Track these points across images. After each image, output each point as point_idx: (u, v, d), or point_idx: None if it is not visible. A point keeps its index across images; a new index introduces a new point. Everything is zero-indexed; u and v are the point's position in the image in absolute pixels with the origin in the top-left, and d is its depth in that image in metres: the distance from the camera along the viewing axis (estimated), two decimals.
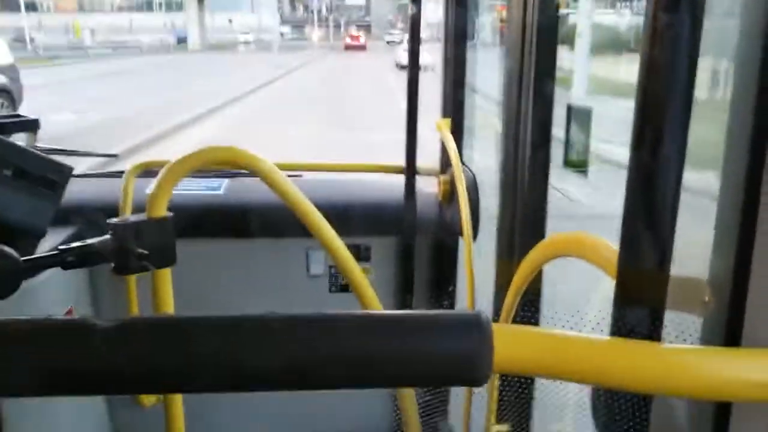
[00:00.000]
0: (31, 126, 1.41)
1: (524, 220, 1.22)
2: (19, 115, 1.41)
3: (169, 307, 1.02)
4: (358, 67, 28.19)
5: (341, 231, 1.05)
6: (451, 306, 1.71)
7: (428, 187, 1.77)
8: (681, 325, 0.59)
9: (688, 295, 0.58)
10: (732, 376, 0.44)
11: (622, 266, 0.59)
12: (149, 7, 62.80)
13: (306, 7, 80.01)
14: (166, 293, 1.01)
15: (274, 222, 1.53)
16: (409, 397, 1.10)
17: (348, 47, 52.17)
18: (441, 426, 1.71)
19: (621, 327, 0.59)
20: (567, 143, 1.21)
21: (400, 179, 1.71)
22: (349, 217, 1.60)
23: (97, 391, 0.49)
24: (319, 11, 73.87)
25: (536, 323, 1.10)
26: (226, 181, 1.77)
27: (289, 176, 1.18)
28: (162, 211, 0.99)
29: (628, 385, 0.46)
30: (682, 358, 0.46)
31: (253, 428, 1.86)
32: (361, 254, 1.72)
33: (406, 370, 0.43)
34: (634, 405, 0.64)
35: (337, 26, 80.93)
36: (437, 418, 1.68)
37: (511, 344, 0.45)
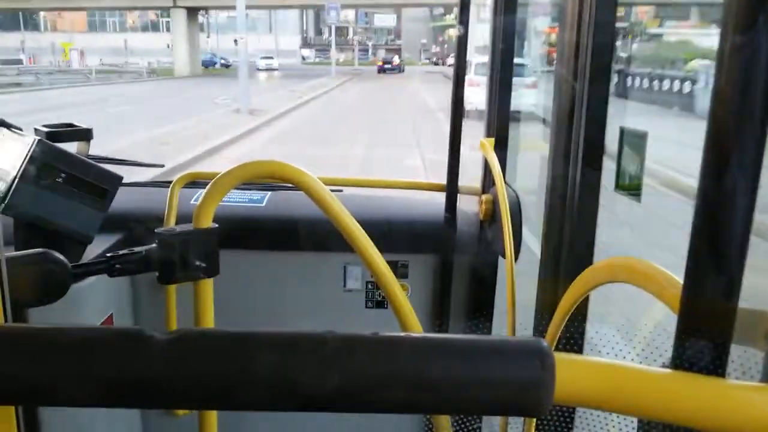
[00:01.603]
0: (84, 135, 1.59)
1: (571, 243, 1.29)
2: (72, 125, 1.61)
3: (209, 317, 1.14)
4: (389, 112, 21.06)
5: (379, 246, 1.15)
6: (489, 328, 1.82)
7: (468, 206, 1.92)
8: (743, 358, 0.62)
9: (752, 328, 0.61)
10: None
11: (686, 298, 0.61)
12: (155, 28, 64.30)
13: (332, 30, 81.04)
14: (207, 304, 1.13)
15: (314, 236, 1.72)
16: (443, 428, 1.21)
17: (382, 70, 53.20)
18: None
19: (684, 360, 0.61)
20: (619, 167, 1.26)
21: (441, 198, 1.87)
22: (388, 233, 1.72)
23: (151, 405, 0.52)
24: (345, 34, 75.75)
25: (580, 349, 1.18)
26: (268, 194, 1.96)
27: (332, 191, 1.31)
28: (208, 222, 1.11)
29: (691, 421, 0.48)
30: (749, 396, 0.48)
31: None
32: (398, 271, 1.82)
33: (465, 397, 0.46)
34: None
35: (365, 50, 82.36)
36: None
37: (573, 374, 0.47)
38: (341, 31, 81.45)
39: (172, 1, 40.81)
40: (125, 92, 26.65)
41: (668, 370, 0.55)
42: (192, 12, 42.21)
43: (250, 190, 1.96)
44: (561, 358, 0.46)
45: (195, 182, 1.77)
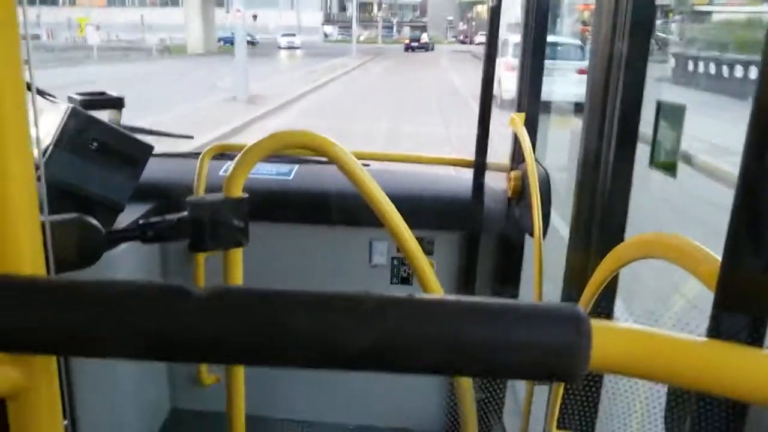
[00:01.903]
0: (117, 104, 1.63)
1: (603, 219, 1.31)
2: (104, 93, 1.65)
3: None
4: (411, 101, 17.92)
5: (407, 222, 1.17)
6: None
7: (497, 182, 1.94)
8: None
9: None
10: None
11: (725, 271, 0.63)
12: (174, 3, 63.81)
13: (358, 6, 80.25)
14: (236, 272, 1.17)
15: (340, 210, 1.76)
16: (467, 393, 1.23)
17: (409, 47, 51.68)
18: (494, 428, 1.84)
19: (721, 331, 0.63)
20: (654, 143, 1.26)
21: (469, 174, 1.89)
22: (414, 208, 1.71)
23: (187, 358, 0.52)
24: (369, 11, 75.19)
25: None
26: (296, 167, 2.00)
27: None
28: (238, 192, 1.14)
29: (728, 390, 0.49)
30: None
31: (308, 412, 2.06)
32: (424, 247, 1.81)
33: (498, 361, 0.47)
34: (720, 415, 0.69)
35: (389, 27, 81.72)
36: (492, 419, 1.81)
37: (609, 341, 0.48)
38: (365, 7, 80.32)
39: None
40: (121, 72, 24.74)
41: (706, 339, 0.56)
42: None
43: (278, 163, 2.00)
44: (597, 324, 0.47)
45: (224, 154, 1.82)
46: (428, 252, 1.89)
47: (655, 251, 0.82)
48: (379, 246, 1.92)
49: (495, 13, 1.78)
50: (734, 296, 0.64)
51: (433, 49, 52.27)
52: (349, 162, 1.12)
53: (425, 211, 1.86)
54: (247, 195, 1.13)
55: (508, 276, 1.88)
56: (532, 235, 1.59)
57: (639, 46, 1.21)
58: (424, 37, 56.50)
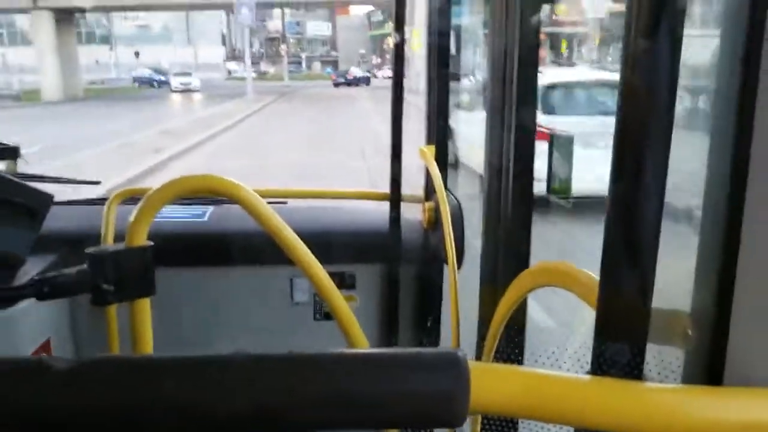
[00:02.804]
0: (10, 153, 1.65)
1: (508, 248, 1.35)
2: None
3: (147, 338, 1.15)
4: None
5: (325, 258, 1.21)
6: (437, 336, 1.89)
7: (414, 214, 2.00)
8: (663, 357, 0.64)
9: (671, 328, 0.62)
10: (714, 417, 0.48)
11: (602, 299, 0.64)
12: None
13: (265, 41, 75.17)
14: (144, 324, 1.14)
15: (258, 250, 1.68)
16: None
17: (339, 84, 47.24)
18: None
19: (602, 362, 0.64)
20: (550, 171, 1.33)
21: (386, 206, 1.94)
22: (333, 244, 1.81)
23: None
24: (276, 45, 67.92)
25: (521, 355, 1.22)
26: (211, 209, 1.99)
27: (274, 203, 1.57)
28: (141, 240, 1.12)
29: (609, 426, 0.50)
30: (664, 398, 0.50)
31: None
32: (345, 282, 1.92)
33: (378, 411, 0.47)
34: None
35: (297, 62, 75.12)
36: None
37: (489, 383, 0.49)
38: (272, 42, 77.86)
39: (31, 1, 31.37)
40: None
41: (586, 376, 0.58)
42: (63, 16, 33.31)
43: (191, 205, 1.99)
44: (476, 367, 0.48)
45: (135, 198, 1.74)
46: (350, 286, 1.94)
47: (549, 280, 0.85)
48: (300, 283, 1.92)
49: (399, 48, 1.86)
50: (612, 326, 0.64)
51: (368, 83, 46.73)
52: (256, 203, 1.12)
53: (343, 245, 1.90)
54: (151, 243, 1.11)
55: (430, 306, 1.94)
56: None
57: (529, 84, 1.28)
58: (355, 71, 50.55)
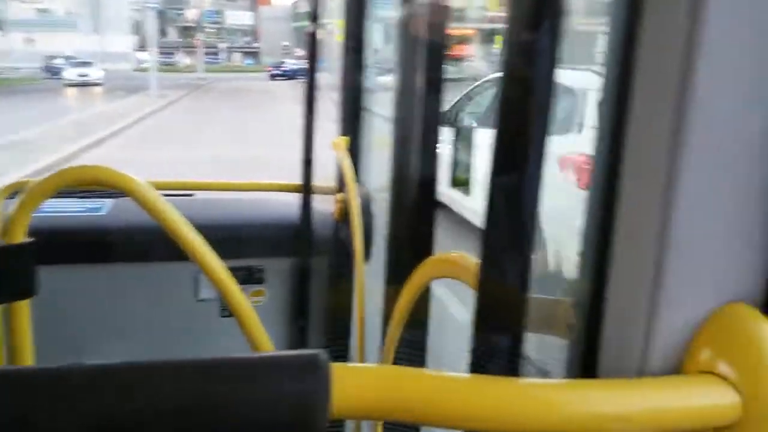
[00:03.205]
0: None
1: (412, 241, 1.35)
2: None
3: (26, 342, 1.09)
4: None
5: (232, 252, 1.20)
6: (347, 330, 1.89)
7: (327, 206, 1.99)
8: (547, 348, 0.65)
9: (553, 317, 0.63)
10: (587, 411, 0.49)
11: (481, 290, 0.65)
12: None
13: (181, 31, 71.63)
14: (23, 328, 1.08)
15: (160, 245, 1.59)
16: None
17: (276, 77, 43.28)
18: None
19: (480, 354, 0.64)
20: (454, 164, 1.40)
21: (297, 199, 1.93)
22: (240, 237, 1.81)
23: None
24: (192, 35, 63.19)
25: (423, 354, 1.23)
26: (109, 202, 1.92)
27: (180, 195, 1.63)
28: (20, 236, 1.06)
29: (484, 425, 0.49)
30: (538, 394, 0.50)
31: None
32: (253, 276, 1.89)
33: (228, 423, 0.45)
34: None
35: (215, 53, 70.49)
36: None
37: (352, 386, 0.47)
38: (188, 31, 74.31)
39: None
40: None
41: (460, 374, 0.56)
42: None
43: (88, 198, 1.91)
44: (339, 369, 0.47)
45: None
46: (258, 281, 1.91)
47: (444, 272, 0.86)
48: (205, 280, 1.68)
49: (313, 38, 1.86)
50: (492, 319, 0.65)
51: (293, 77, 40.89)
52: (149, 195, 1.09)
53: (252, 239, 1.88)
54: (32, 239, 1.06)
55: (340, 300, 1.94)
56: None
57: (434, 76, 1.27)
58: (290, 63, 44.94)
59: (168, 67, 62.13)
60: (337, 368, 0.46)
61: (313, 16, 1.83)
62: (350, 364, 0.48)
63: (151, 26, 37.02)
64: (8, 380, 0.43)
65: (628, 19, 0.53)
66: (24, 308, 1.08)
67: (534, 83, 0.60)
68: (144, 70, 58.80)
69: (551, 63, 0.59)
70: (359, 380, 0.48)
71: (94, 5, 64.41)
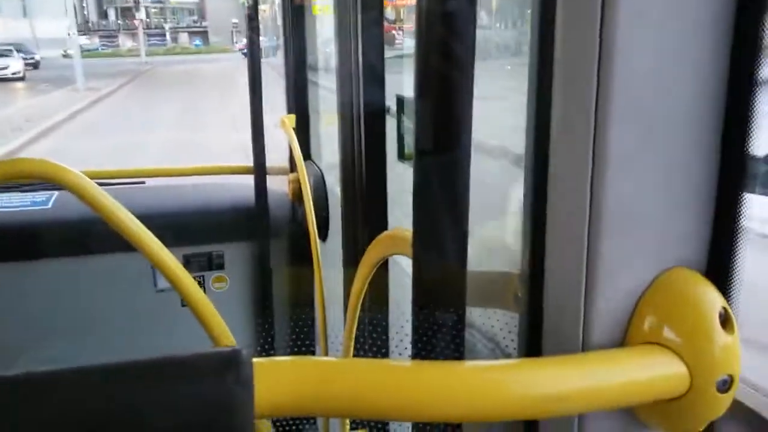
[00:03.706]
0: None
1: (365, 217, 1.36)
2: None
3: None
4: None
5: (191, 239, 1.19)
6: (312, 313, 1.89)
7: (281, 187, 2.01)
8: (497, 323, 0.63)
9: (501, 290, 0.61)
10: (530, 393, 0.47)
11: (417, 265, 0.63)
12: None
13: (120, 12, 67.04)
14: None
15: (115, 236, 1.57)
16: None
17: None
18: None
19: (420, 334, 0.62)
20: (399, 137, 1.29)
21: (252, 180, 1.93)
22: (197, 223, 1.78)
23: None
24: (132, 15, 58.13)
25: (384, 332, 1.19)
26: (56, 194, 1.88)
27: (131, 184, 1.62)
28: None
29: (421, 415, 0.49)
30: (479, 378, 0.48)
31: None
32: (213, 262, 1.86)
33: (149, 427, 0.42)
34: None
35: (161, 34, 65.56)
36: None
37: (278, 381, 0.45)
38: (130, 12, 70.15)
39: None
40: None
41: (395, 361, 0.56)
42: None
43: (32, 191, 1.87)
44: (262, 364, 0.44)
45: None
46: (218, 266, 1.90)
47: (396, 247, 0.84)
48: None
49: (253, 16, 1.86)
50: (432, 294, 0.63)
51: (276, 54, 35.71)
52: (86, 186, 1.06)
53: (208, 224, 1.87)
54: None
55: (303, 281, 1.92)
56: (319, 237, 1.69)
57: (374, 50, 1.27)
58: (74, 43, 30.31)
59: (111, 52, 56.89)
60: (260, 364, 0.44)
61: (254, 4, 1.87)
62: (276, 359, 0.46)
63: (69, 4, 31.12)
64: None
65: (545, 7, 0.54)
66: None
67: (453, 49, 0.59)
68: (87, 55, 53.55)
69: (471, 29, 0.59)
70: (285, 375, 0.45)
71: None
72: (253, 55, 1.82)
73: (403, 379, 0.47)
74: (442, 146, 0.61)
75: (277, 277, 1.91)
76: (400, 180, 1.32)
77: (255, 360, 0.43)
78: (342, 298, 1.36)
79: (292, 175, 1.89)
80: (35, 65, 31.06)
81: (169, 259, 1.09)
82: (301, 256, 1.85)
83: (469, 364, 0.55)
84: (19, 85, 26.80)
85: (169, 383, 0.43)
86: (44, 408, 0.40)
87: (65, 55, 52.83)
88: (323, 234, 1.65)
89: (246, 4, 1.81)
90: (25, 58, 31.09)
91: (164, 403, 0.42)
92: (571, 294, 0.52)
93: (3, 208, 1.71)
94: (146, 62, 38.15)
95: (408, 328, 0.70)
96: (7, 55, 28.58)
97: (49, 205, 1.80)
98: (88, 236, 1.69)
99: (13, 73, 27.48)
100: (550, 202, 0.54)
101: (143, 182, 1.95)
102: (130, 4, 68.82)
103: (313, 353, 1.21)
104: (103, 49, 59.12)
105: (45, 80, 26.05)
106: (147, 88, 23.94)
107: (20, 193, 1.82)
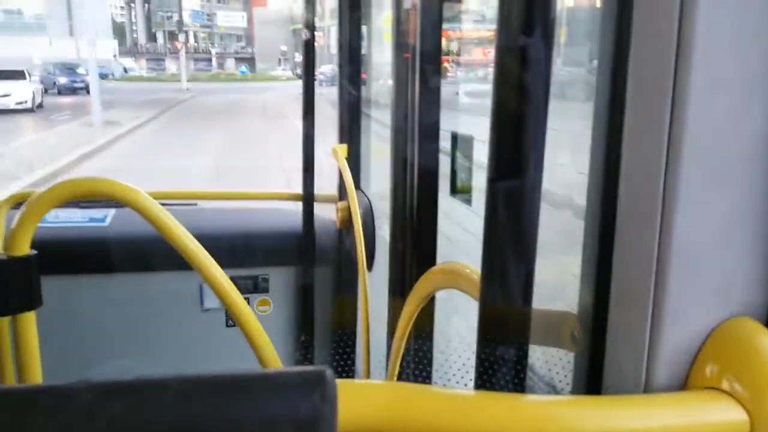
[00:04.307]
0: None
1: (415, 249, 1.35)
2: None
3: (33, 354, 1.10)
4: None
5: (237, 261, 1.22)
6: (353, 338, 1.91)
7: (330, 214, 2.04)
8: (553, 360, 0.64)
9: (558, 329, 0.62)
10: (590, 428, 0.49)
11: (484, 303, 0.65)
12: None
13: (168, 35, 65.80)
14: (29, 340, 1.09)
15: (165, 254, 1.60)
16: None
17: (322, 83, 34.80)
18: None
19: (485, 368, 0.64)
20: (453, 172, 1.32)
21: (300, 207, 1.99)
22: (245, 246, 1.79)
23: None
24: (185, 40, 55.75)
25: (429, 363, 1.21)
26: (112, 212, 1.96)
27: (183, 205, 1.64)
28: (24, 248, 1.07)
29: None
30: (543, 412, 0.51)
31: None
32: (258, 285, 1.89)
33: None
34: None
35: (207, 60, 63.30)
36: None
37: (358, 402, 0.48)
38: (175, 35, 64.48)
39: None
40: None
41: (465, 390, 0.59)
42: None
43: (90, 209, 1.95)
44: (345, 384, 0.48)
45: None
46: (263, 289, 1.91)
47: (447, 282, 0.85)
48: (210, 289, 1.80)
49: (310, 45, 1.90)
50: (495, 331, 0.65)
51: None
52: (149, 206, 1.09)
53: (257, 247, 1.89)
54: (35, 252, 1.08)
55: (346, 308, 1.96)
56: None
57: (431, 84, 1.28)
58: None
59: (154, 76, 53.99)
60: (342, 385, 0.47)
61: (309, 23, 1.87)
62: (356, 381, 0.50)
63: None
64: (17, 398, 0.43)
65: (619, 22, 0.54)
66: (30, 320, 1.09)
67: (529, 88, 0.60)
68: (130, 78, 50.76)
69: (546, 67, 0.59)
70: (365, 397, 0.49)
71: (68, 6, 56.48)
72: (308, 82, 1.86)
73: (473, 407, 0.50)
74: (514, 184, 0.62)
75: (320, 302, 1.94)
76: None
77: (338, 381, 0.46)
78: (385, 327, 1.38)
79: (340, 204, 1.93)
80: (87, 88, 27.00)
81: (224, 280, 1.10)
82: (346, 284, 1.90)
83: (532, 397, 0.58)
84: (22, 120, 20.52)
85: (263, 397, 0.45)
86: (154, 412, 0.43)
87: (120, 78, 50.25)
88: (369, 263, 1.66)
89: (303, 32, 1.84)
90: (74, 81, 28.98)
91: (257, 415, 0.44)
92: (636, 335, 0.53)
93: (63, 223, 1.78)
94: (186, 89, 34.51)
95: (473, 360, 0.73)
96: (15, 77, 21.40)
97: (106, 223, 1.88)
98: (141, 254, 1.76)
99: (18, 103, 20.54)
100: (617, 242, 0.54)
101: (195, 204, 2.01)
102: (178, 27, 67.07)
103: (353, 378, 1.20)
104: (147, 73, 56.89)
105: (71, 107, 22.20)
106: (179, 126, 19.45)
107: (80, 210, 1.91)
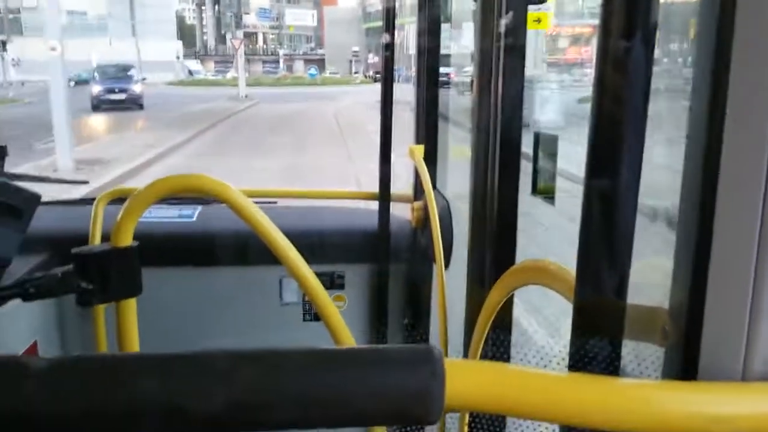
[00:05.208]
0: None
1: (494, 247, 1.38)
2: None
3: (133, 339, 1.18)
4: None
5: (314, 258, 1.22)
6: (426, 336, 2.00)
7: (403, 213, 2.13)
8: (642, 354, 0.66)
9: (649, 324, 0.63)
10: (686, 411, 0.51)
11: (579, 296, 0.67)
12: None
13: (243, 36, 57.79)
14: (130, 325, 1.16)
15: (247, 250, 1.78)
16: None
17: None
18: None
19: (579, 358, 0.66)
20: (535, 171, 1.30)
21: (375, 206, 2.06)
22: (322, 244, 1.83)
23: None
24: (254, 41, 50.65)
25: (507, 354, 1.29)
26: (199, 209, 2.06)
27: (263, 203, 1.62)
28: (127, 240, 1.14)
29: (584, 421, 0.52)
30: (639, 393, 0.53)
31: None
32: (334, 282, 1.94)
33: (352, 410, 0.48)
34: None
35: (275, 61, 58.09)
36: None
37: (463, 379, 0.51)
38: (248, 37, 60.14)
39: None
40: None
41: (562, 373, 0.61)
42: None
43: (180, 205, 2.06)
44: (451, 363, 0.50)
45: (122, 198, 1.70)
46: (339, 286, 1.98)
47: (533, 278, 0.88)
48: (289, 284, 1.95)
49: (389, 49, 1.94)
50: (590, 321, 0.67)
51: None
52: (243, 203, 1.11)
53: (332, 245, 1.94)
54: (137, 243, 1.15)
55: (419, 306, 2.02)
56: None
57: (515, 84, 1.28)
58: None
59: (221, 78, 48.86)
60: (449, 363, 0.50)
61: (388, 25, 1.90)
62: (461, 360, 0.53)
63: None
64: (157, 363, 0.47)
65: (719, 21, 0.53)
66: (132, 306, 1.15)
67: (628, 91, 0.61)
68: (194, 81, 46.27)
69: (646, 68, 0.60)
70: (471, 375, 0.51)
71: (131, 7, 52.52)
72: (387, 82, 1.89)
73: (570, 387, 0.52)
74: (612, 183, 0.63)
75: (394, 300, 1.98)
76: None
77: (446, 359, 0.49)
78: (459, 325, 1.41)
79: (416, 203, 1.96)
80: (136, 100, 22.55)
81: (310, 275, 1.13)
82: (420, 282, 1.96)
83: (628, 380, 0.61)
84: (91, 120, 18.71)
85: (374, 371, 0.48)
86: (280, 378, 0.47)
87: (184, 82, 46.00)
88: (446, 262, 1.67)
89: (384, 32, 1.87)
90: (111, 91, 23.00)
91: (369, 387, 0.47)
92: (733, 328, 0.53)
93: (155, 218, 1.86)
94: (244, 96, 28.68)
95: (551, 356, 0.75)
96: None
97: (194, 218, 1.96)
98: (226, 248, 1.82)
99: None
100: (715, 237, 0.54)
101: (275, 202, 2.08)
102: (249, 29, 62.69)
103: None
104: (213, 76, 52.81)
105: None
106: (223, 150, 13.93)
107: (169, 206, 2.00)
